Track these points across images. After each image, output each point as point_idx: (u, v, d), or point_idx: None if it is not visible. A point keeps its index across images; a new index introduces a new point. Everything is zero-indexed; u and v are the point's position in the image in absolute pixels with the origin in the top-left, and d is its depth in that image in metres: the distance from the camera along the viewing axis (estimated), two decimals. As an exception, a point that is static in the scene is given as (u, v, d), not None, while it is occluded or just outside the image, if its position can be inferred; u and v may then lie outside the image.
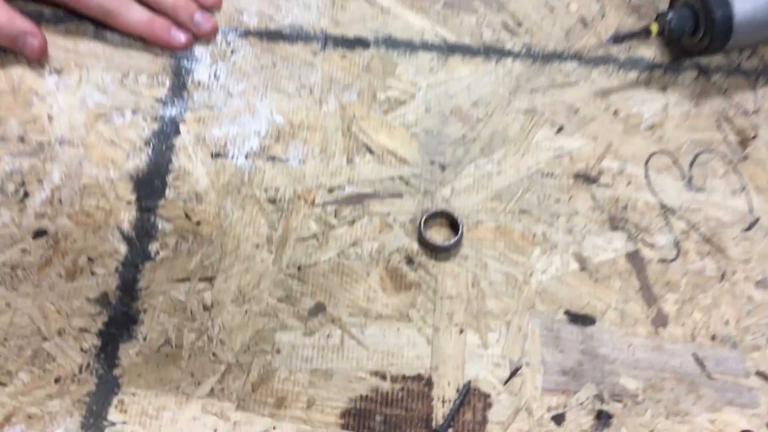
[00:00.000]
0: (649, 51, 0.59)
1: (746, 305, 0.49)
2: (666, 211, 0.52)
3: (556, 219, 0.52)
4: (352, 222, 0.51)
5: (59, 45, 0.57)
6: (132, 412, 0.44)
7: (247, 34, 0.59)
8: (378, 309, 0.48)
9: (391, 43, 0.59)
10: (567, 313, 0.48)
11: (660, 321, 0.48)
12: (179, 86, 0.56)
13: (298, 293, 0.48)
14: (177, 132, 0.54)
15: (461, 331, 0.48)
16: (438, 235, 0.51)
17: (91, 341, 0.46)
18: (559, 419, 0.45)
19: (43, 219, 0.50)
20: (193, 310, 0.47)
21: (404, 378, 0.46)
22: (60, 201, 0.51)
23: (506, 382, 0.46)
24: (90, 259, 0.49)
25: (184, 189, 0.52)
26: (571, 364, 0.47)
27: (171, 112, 0.55)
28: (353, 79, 0.57)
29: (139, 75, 0.56)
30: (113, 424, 0.44)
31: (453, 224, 0.51)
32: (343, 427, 0.44)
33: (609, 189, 0.53)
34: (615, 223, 0.52)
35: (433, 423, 0.45)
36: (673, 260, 0.51)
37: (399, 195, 0.52)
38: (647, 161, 0.54)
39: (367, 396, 0.45)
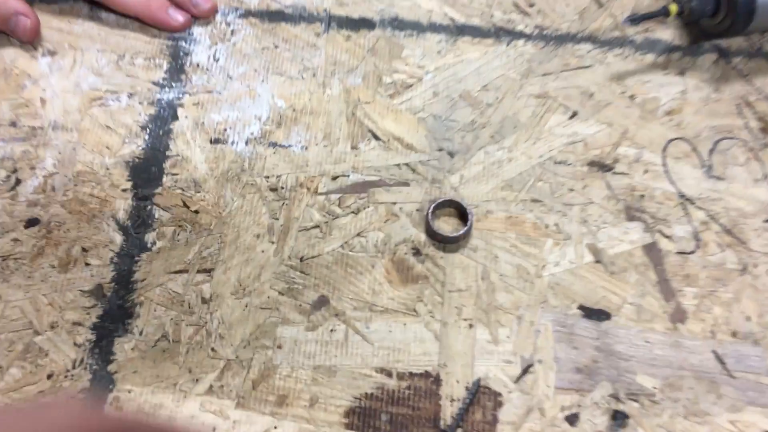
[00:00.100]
0: (667, 33, 0.58)
1: (768, 300, 0.49)
2: (684, 200, 0.51)
3: (569, 209, 0.51)
4: (357, 211, 0.50)
5: (53, 26, 0.56)
6: (127, 410, 0.44)
7: (247, 14, 0.58)
8: (384, 303, 0.47)
9: (397, 24, 0.58)
10: (581, 307, 0.48)
11: (678, 316, 0.48)
12: (177, 69, 0.55)
13: (301, 286, 0.48)
14: (175, 117, 0.53)
15: (470, 326, 0.47)
16: (446, 226, 0.50)
17: (85, 335, 0.46)
18: (572, 419, 0.44)
19: (36, 207, 0.50)
20: (191, 303, 0.47)
21: (411, 375, 0.46)
22: (53, 188, 0.50)
23: (517, 380, 0.45)
24: (84, 250, 0.48)
25: (182, 176, 0.51)
26: (585, 362, 0.46)
27: (168, 95, 0.54)
28: (358, 61, 0.56)
29: (135, 57, 0.56)
30: (108, 422, 0.43)
31: (462, 214, 0.50)
32: (347, 426, 0.44)
33: (625, 177, 0.52)
34: (631, 214, 0.51)
35: (441, 423, 0.44)
36: (692, 252, 0.50)
37: (406, 183, 0.51)
38: (665, 148, 0.53)
39: (372, 394, 0.45)
